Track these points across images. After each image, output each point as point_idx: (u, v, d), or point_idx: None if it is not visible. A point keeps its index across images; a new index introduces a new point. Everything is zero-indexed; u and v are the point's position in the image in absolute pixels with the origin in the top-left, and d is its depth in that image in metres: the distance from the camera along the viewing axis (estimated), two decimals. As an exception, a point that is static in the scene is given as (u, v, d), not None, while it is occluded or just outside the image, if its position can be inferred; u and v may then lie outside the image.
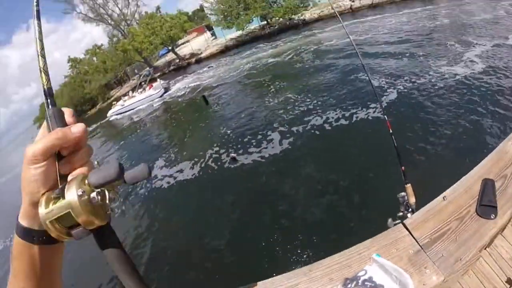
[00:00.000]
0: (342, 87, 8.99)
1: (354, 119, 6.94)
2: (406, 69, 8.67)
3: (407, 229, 1.02)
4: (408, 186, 1.21)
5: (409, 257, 0.93)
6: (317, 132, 7.13)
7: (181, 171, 7.97)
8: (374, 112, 6.77)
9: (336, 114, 7.47)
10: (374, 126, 6.25)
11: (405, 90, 7.39)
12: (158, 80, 21.62)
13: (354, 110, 7.24)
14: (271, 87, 11.91)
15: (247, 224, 4.98)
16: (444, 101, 6.37)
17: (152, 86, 20.03)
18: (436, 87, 7.01)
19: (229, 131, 9.13)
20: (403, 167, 1.47)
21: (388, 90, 7.61)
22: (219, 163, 7.47)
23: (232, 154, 7.43)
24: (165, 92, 19.46)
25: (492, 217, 0.96)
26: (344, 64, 10.94)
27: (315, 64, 12.74)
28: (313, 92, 9.59)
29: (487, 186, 1.06)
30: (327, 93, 9.00)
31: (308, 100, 9.06)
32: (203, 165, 7.73)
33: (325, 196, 4.84)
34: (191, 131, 11.14)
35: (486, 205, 0.99)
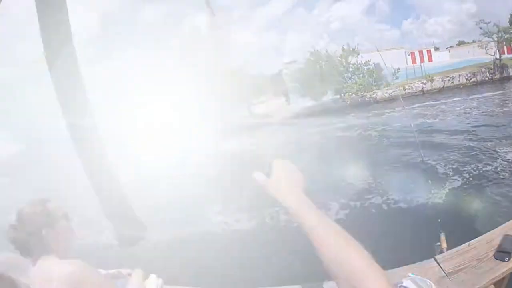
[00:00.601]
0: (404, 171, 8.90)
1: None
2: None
3: (437, 262, 1.39)
4: (442, 234, 1.57)
5: (436, 279, 1.29)
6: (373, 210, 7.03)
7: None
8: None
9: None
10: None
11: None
12: None
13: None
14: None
15: None
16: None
17: None
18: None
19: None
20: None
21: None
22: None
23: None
24: None
25: (505, 259, 1.28)
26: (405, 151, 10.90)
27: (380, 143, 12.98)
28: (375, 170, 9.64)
29: (506, 239, 1.38)
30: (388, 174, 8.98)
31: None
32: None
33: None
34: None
35: (502, 252, 1.32)
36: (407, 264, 1.42)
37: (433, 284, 1.26)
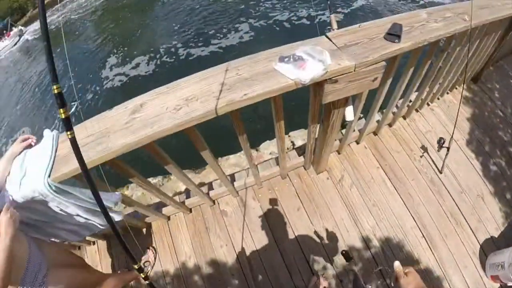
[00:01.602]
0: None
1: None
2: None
3: (328, 38, 1.10)
4: (332, 16, 1.27)
5: (329, 52, 1.02)
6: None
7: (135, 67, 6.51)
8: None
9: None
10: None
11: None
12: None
13: None
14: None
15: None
16: None
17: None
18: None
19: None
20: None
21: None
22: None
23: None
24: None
25: (396, 41, 1.13)
26: None
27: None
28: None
29: (396, 26, 1.21)
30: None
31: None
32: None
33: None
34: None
35: (392, 34, 1.15)
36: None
37: (325, 51, 1.00)
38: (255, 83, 0.98)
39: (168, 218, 2.06)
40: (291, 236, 1.95)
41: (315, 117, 1.40)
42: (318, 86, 1.10)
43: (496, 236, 2.18)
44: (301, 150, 2.25)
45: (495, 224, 2.21)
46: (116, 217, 1.38)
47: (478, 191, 2.22)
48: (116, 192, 1.27)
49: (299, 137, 2.82)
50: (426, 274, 1.96)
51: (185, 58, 7.04)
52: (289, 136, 2.87)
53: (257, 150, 2.74)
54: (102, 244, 2.01)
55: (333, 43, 1.08)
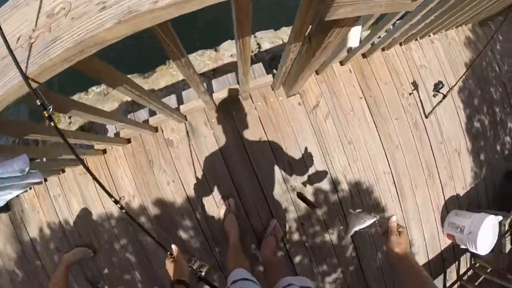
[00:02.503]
0: None
1: None
2: None
3: None
4: None
5: None
6: None
7: None
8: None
9: None
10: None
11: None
12: None
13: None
14: None
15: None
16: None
17: None
18: None
19: None
20: None
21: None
22: None
23: None
24: None
25: None
26: None
27: None
28: None
29: None
30: None
31: None
32: None
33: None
34: None
35: None
36: None
37: None
38: None
39: (104, 151, 1.55)
40: (249, 172, 1.58)
41: (301, 33, 0.91)
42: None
43: (461, 195, 2.07)
44: (269, 60, 1.78)
45: (463, 183, 2.08)
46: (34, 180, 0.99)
47: (457, 145, 2.02)
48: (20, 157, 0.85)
49: (267, 39, 2.18)
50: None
51: None
52: (254, 36, 2.21)
53: (216, 51, 2.10)
54: None
55: None
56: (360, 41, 0.93)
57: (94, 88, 2.14)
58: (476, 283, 2.05)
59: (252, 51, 1.97)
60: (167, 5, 0.45)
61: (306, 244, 1.62)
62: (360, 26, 0.84)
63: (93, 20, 0.47)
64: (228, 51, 2.04)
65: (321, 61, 1.15)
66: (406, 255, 0.76)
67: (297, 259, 1.65)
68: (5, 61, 0.52)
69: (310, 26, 0.89)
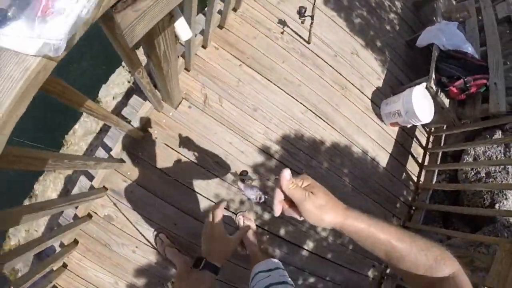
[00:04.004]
0: None
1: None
2: None
3: None
4: None
5: None
6: None
7: None
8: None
9: None
10: None
11: None
12: None
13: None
14: None
15: None
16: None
17: None
18: None
19: None
20: None
21: None
22: None
23: None
24: None
25: None
26: None
27: None
28: None
29: None
30: None
31: None
32: None
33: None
34: None
35: None
36: None
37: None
38: None
39: (64, 265, 1.44)
40: (187, 192, 1.55)
41: (133, 62, 0.85)
42: (106, 23, 0.54)
43: (381, 86, 2.18)
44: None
45: (376, 75, 2.19)
46: None
47: (351, 48, 2.10)
48: None
49: (115, 86, 1.99)
50: (335, 149, 1.84)
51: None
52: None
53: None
54: None
55: None
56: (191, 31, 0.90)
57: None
58: (442, 144, 2.22)
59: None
60: None
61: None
62: (182, 18, 0.81)
63: None
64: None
65: (175, 65, 1.10)
66: (346, 214, 0.45)
67: (282, 231, 1.69)
68: None
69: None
